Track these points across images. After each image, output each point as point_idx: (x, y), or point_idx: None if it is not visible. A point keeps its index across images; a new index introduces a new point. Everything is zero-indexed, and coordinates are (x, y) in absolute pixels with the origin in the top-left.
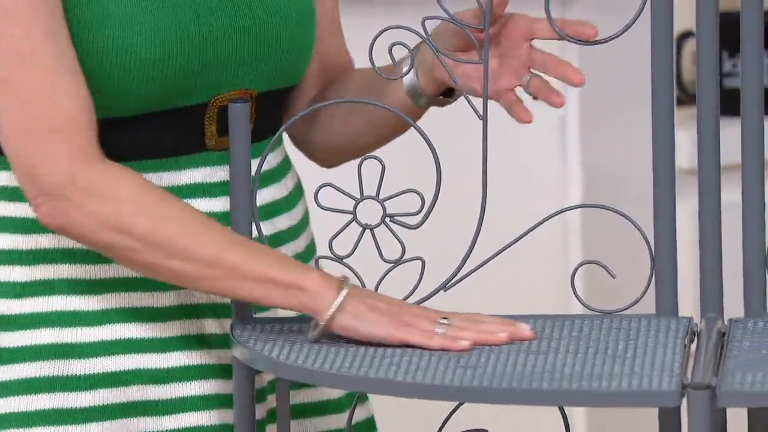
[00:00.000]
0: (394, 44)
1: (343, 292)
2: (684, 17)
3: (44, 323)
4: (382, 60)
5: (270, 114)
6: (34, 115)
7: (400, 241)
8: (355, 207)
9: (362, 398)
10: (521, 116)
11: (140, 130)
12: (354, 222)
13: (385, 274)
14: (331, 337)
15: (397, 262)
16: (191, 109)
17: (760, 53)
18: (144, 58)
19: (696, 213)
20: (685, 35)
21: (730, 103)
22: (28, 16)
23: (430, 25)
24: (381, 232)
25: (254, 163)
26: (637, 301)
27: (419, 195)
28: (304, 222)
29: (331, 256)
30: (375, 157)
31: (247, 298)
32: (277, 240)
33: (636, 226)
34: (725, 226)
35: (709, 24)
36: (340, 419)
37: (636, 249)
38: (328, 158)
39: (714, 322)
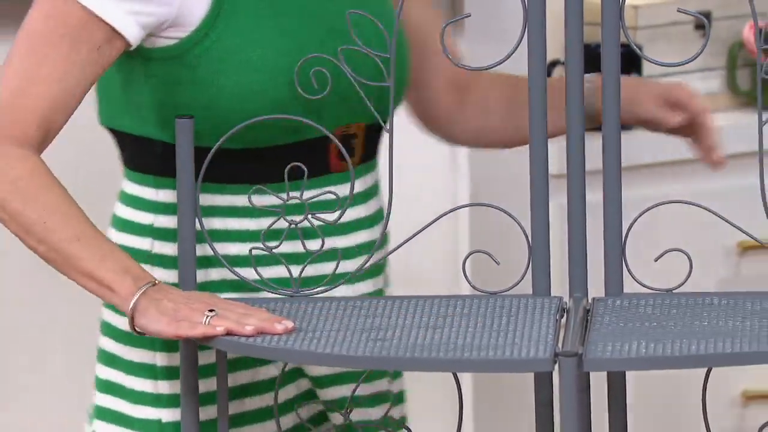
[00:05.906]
0: (314, 70)
1: (136, 296)
2: (554, 48)
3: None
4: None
5: (373, 140)
6: None
7: (320, 235)
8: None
9: (396, 375)
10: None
11: (273, 160)
12: (282, 219)
13: (308, 263)
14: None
15: (318, 252)
16: (316, 141)
17: (617, 78)
18: (273, 98)
19: (565, 210)
20: (555, 63)
21: None
22: (45, 41)
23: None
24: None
25: (361, 182)
26: (516, 284)
27: (336, 196)
28: (385, 240)
29: (262, 247)
30: (299, 165)
31: (79, 284)
32: (356, 251)
33: (515, 221)
34: (589, 221)
35: (575, 54)
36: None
37: (515, 240)
38: (472, 145)
39: (580, 301)
